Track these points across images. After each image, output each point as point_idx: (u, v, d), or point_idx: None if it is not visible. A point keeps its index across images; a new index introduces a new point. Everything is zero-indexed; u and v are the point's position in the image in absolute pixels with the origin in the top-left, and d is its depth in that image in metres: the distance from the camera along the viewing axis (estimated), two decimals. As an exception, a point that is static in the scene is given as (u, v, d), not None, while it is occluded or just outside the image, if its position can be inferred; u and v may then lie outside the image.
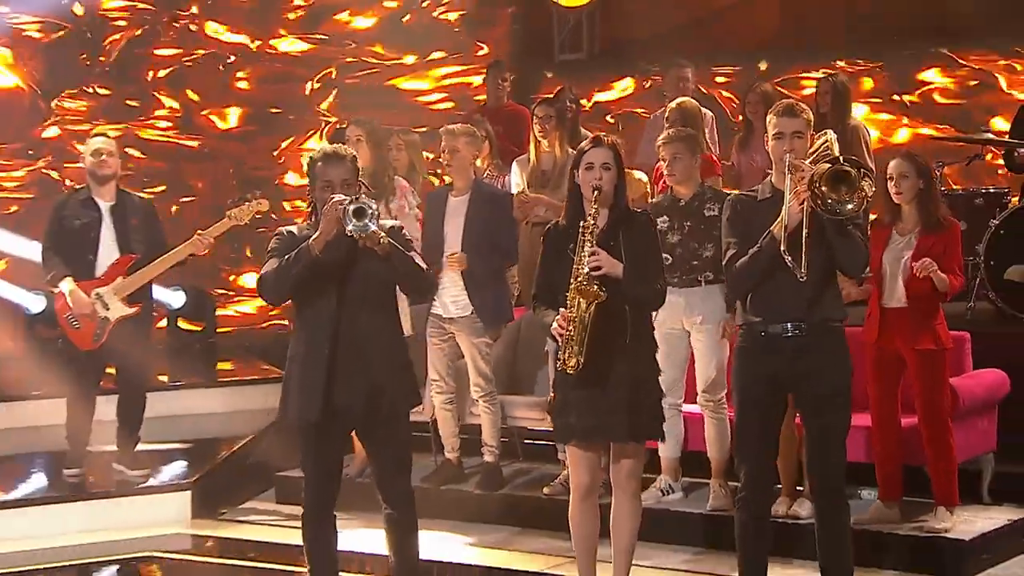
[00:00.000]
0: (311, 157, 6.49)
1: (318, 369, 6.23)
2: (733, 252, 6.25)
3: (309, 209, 6.49)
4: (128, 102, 14.29)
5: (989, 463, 8.25)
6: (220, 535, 8.95)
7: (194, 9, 14.36)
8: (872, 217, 8.30)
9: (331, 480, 6.53)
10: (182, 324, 13.54)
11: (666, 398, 7.83)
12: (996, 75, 12.46)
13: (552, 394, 6.62)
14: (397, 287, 6.50)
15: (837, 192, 5.94)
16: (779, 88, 12.12)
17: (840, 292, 6.48)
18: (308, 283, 6.22)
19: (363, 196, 6.10)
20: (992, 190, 10.30)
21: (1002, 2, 11.88)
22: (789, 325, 6.16)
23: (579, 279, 6.10)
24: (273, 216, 11.17)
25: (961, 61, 12.74)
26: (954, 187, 10.73)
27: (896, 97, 13.03)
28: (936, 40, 12.70)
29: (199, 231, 9.19)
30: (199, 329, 13.46)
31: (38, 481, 9.98)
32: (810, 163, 6.10)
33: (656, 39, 12.96)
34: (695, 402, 8.26)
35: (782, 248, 5.95)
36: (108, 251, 8.96)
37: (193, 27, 14.39)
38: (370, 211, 5.92)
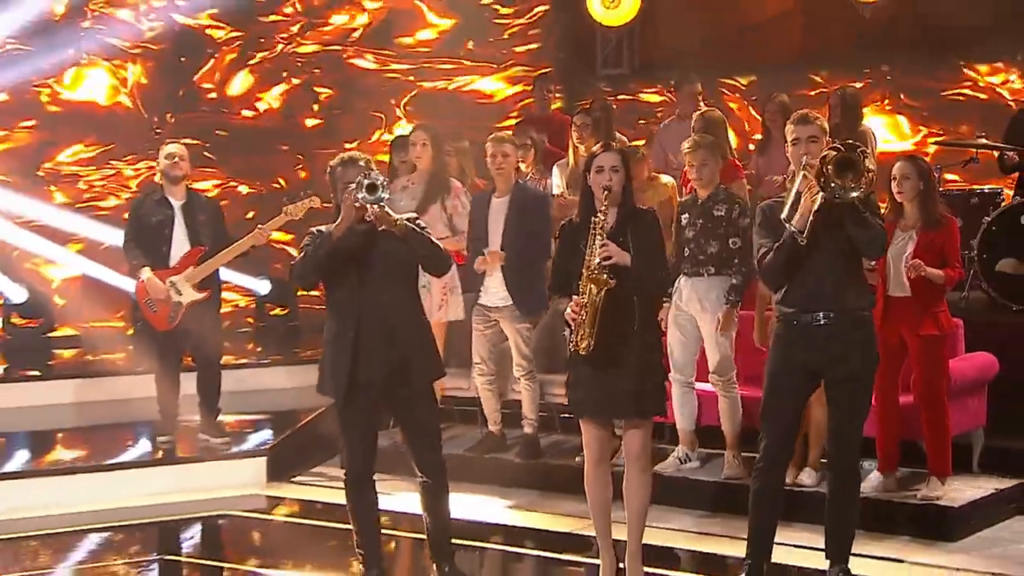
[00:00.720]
0: (330, 164, 6.53)
1: (344, 351, 6.29)
2: (764, 251, 6.23)
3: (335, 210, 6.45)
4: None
5: (979, 438, 8.18)
6: (291, 496, 8.99)
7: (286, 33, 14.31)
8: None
9: (366, 449, 6.54)
10: (269, 309, 13.65)
11: (679, 376, 8.12)
12: (995, 85, 12.25)
13: (568, 373, 6.61)
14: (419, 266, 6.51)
15: (843, 178, 5.88)
16: (797, 96, 12.04)
17: (867, 282, 6.46)
18: (332, 267, 6.28)
19: (376, 174, 6.08)
20: (987, 190, 10.20)
21: (998, 21, 11.62)
22: (820, 314, 6.12)
23: (591, 268, 6.12)
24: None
25: (966, 71, 12.59)
26: (952, 188, 10.52)
27: (904, 104, 12.86)
28: (940, 52, 12.52)
29: (260, 225, 9.39)
30: (283, 313, 13.41)
31: (133, 447, 9.94)
32: (828, 149, 6.05)
33: (687, 55, 12.85)
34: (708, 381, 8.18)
35: (801, 233, 5.95)
36: (180, 244, 9.06)
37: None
38: (380, 184, 5.95)
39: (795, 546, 6.97)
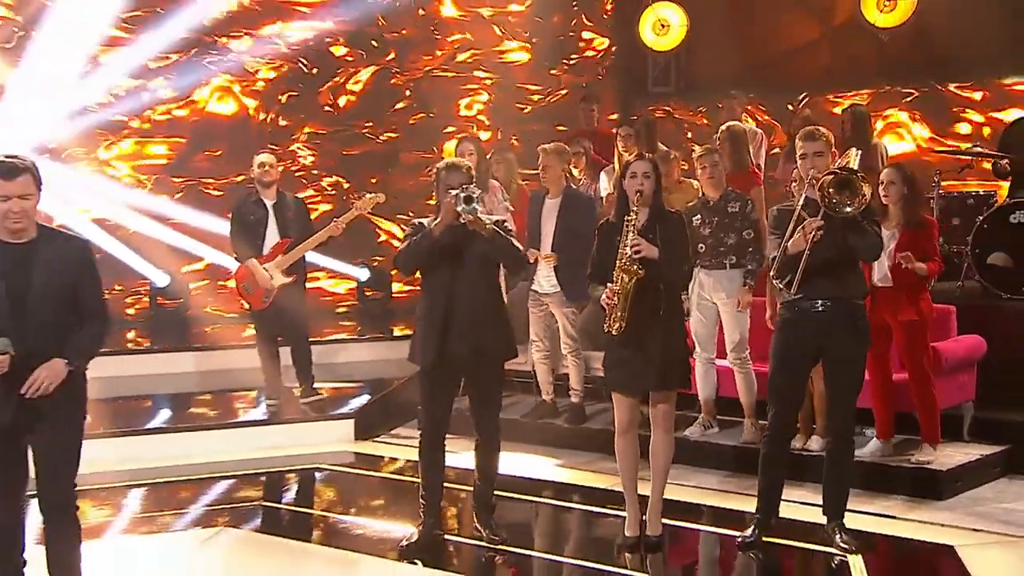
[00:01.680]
0: (437, 167, 6.59)
1: (435, 327, 6.33)
2: (773, 248, 6.31)
3: (435, 205, 6.57)
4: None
5: (969, 410, 8.07)
6: (373, 453, 8.98)
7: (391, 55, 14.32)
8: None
9: (443, 415, 6.59)
10: (367, 293, 13.62)
11: (702, 353, 8.13)
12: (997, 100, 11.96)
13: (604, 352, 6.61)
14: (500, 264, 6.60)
15: (841, 195, 5.94)
16: (820, 112, 11.87)
17: (862, 275, 6.42)
18: (430, 259, 6.32)
19: (471, 187, 6.15)
20: (981, 193, 10.03)
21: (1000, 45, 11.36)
22: (819, 302, 6.12)
23: (623, 260, 6.11)
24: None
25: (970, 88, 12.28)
26: (951, 191, 10.28)
27: (917, 118, 12.58)
28: (948, 72, 12.28)
29: (335, 219, 9.53)
30: (379, 297, 13.41)
31: (246, 409, 10.01)
32: (827, 173, 6.06)
33: (726, 76, 12.67)
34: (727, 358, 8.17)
35: (772, 275, 6.24)
36: (272, 236, 9.20)
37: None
38: (476, 197, 6.05)
39: (802, 503, 6.87)
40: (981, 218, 8.88)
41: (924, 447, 7.47)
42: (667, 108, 13.81)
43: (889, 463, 7.50)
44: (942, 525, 6.79)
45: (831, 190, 5.94)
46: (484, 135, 13.81)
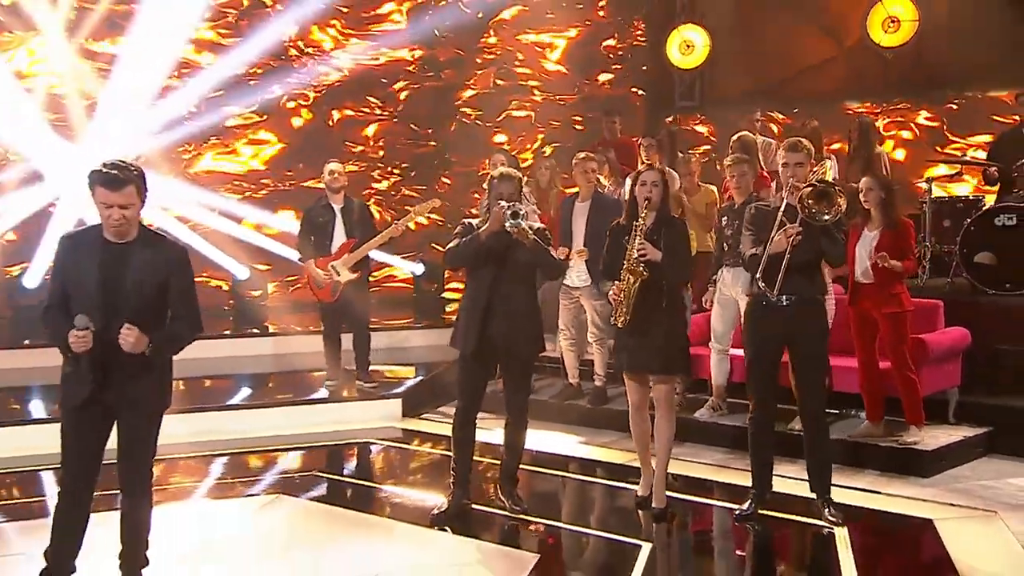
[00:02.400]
0: (491, 176, 6.59)
1: (475, 319, 6.34)
2: (748, 244, 6.25)
3: (485, 209, 6.60)
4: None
5: (954, 395, 7.94)
6: (419, 429, 8.92)
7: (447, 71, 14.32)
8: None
9: (476, 396, 6.57)
10: (422, 284, 13.50)
11: (718, 344, 8.11)
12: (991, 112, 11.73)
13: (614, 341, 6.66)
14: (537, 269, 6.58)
15: (819, 205, 5.90)
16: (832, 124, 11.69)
17: (824, 276, 6.35)
18: (476, 260, 6.33)
19: (518, 204, 6.16)
20: (970, 197, 9.85)
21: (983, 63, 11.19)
22: (784, 298, 6.05)
23: (630, 261, 6.11)
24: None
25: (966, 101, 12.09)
26: (942, 195, 10.12)
27: (917, 128, 12.40)
28: (945, 86, 12.07)
29: (395, 222, 9.56)
30: (433, 288, 13.38)
31: (310, 389, 9.97)
32: (806, 185, 6.00)
33: (746, 91, 12.60)
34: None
35: (758, 276, 6.07)
36: (339, 237, 9.19)
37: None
38: (522, 214, 6.08)
39: (795, 479, 6.75)
40: (968, 220, 8.70)
41: (910, 429, 7.35)
42: (692, 120, 13.65)
43: (878, 443, 7.39)
44: (924, 500, 6.69)
45: (810, 200, 5.90)
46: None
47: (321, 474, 7.88)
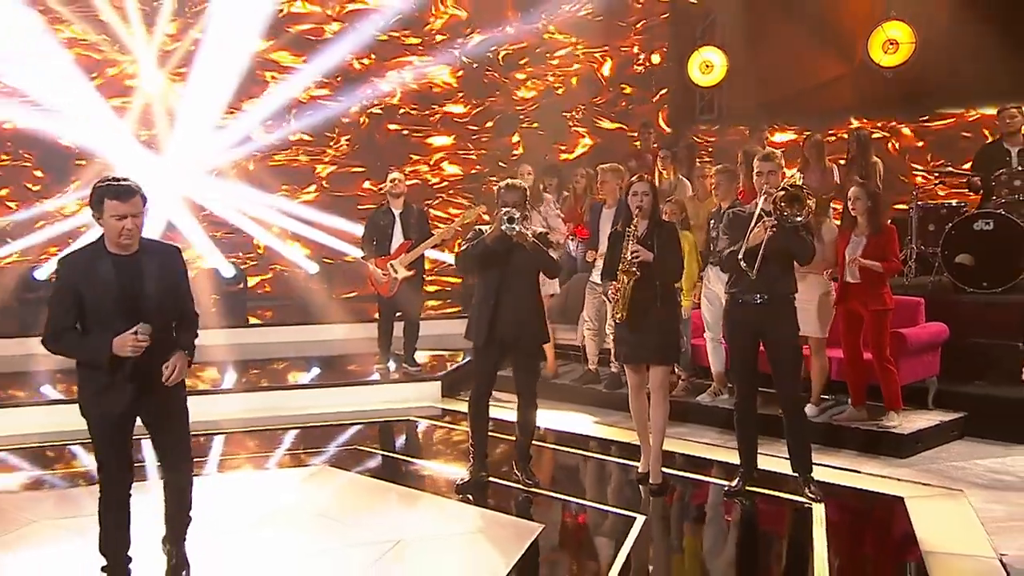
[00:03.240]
0: (497, 186, 6.52)
1: (485, 315, 6.36)
2: (724, 245, 6.18)
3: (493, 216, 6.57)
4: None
5: (933, 383, 7.77)
6: (456, 408, 8.80)
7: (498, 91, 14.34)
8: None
9: (488, 379, 6.59)
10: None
11: (710, 334, 8.05)
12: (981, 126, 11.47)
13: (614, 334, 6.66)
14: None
15: (791, 207, 5.84)
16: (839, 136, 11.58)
17: (794, 276, 6.22)
18: (482, 262, 6.31)
19: (513, 210, 6.11)
20: (953, 204, 9.60)
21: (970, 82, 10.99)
22: (757, 296, 6.01)
23: (624, 264, 6.10)
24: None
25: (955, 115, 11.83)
26: (928, 202, 9.90)
27: (910, 139, 12.15)
28: (938, 102, 11.85)
29: (447, 226, 9.89)
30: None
31: (362, 371, 9.97)
32: (779, 190, 5.94)
33: (760, 107, 12.42)
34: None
35: (740, 257, 5.93)
36: (397, 238, 9.20)
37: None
38: (516, 218, 6.04)
39: (784, 457, 6.56)
40: (950, 225, 8.52)
41: (889, 414, 7.22)
42: (711, 133, 13.48)
43: (860, 426, 7.27)
44: (898, 480, 6.56)
45: (783, 204, 5.84)
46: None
47: (364, 448, 7.90)
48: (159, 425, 4.84)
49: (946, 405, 7.63)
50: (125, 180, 4.58)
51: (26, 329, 9.73)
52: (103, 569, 4.86)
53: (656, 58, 14.08)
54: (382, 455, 7.84)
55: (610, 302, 6.31)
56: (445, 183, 14.32)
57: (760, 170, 6.10)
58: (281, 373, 10.27)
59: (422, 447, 8.16)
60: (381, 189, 9.97)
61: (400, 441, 8.30)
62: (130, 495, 4.81)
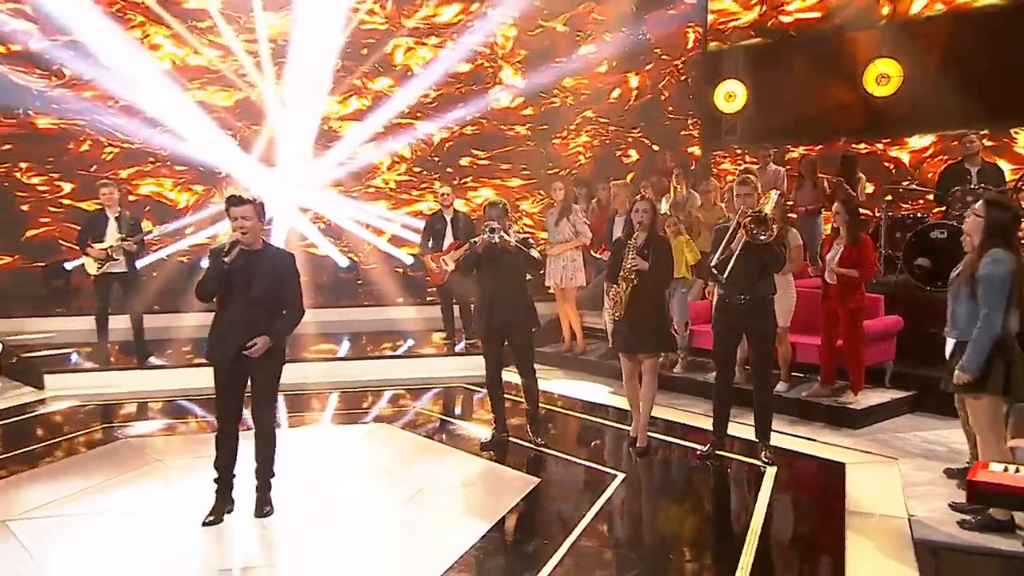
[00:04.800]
0: (484, 203, 6.55)
1: (484, 310, 6.47)
2: (712, 256, 6.07)
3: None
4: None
5: (890, 366, 7.56)
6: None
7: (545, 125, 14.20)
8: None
9: (497, 364, 6.62)
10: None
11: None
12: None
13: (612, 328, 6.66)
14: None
15: (759, 228, 5.76)
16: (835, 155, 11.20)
17: (773, 280, 6.06)
18: (477, 266, 6.38)
19: (493, 223, 6.17)
20: (918, 215, 9.27)
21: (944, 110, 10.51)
22: (741, 296, 5.92)
23: (624, 271, 6.10)
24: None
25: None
26: (896, 213, 9.61)
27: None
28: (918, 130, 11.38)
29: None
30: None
31: (416, 346, 10.04)
32: (753, 210, 5.86)
33: (777, 129, 12.16)
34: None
35: (712, 265, 5.94)
36: (448, 239, 9.22)
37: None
38: (496, 230, 6.14)
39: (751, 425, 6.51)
40: (911, 233, 8.23)
41: (848, 392, 7.10)
42: (732, 152, 13.16)
43: (822, 401, 7.12)
44: (846, 448, 6.43)
45: (752, 226, 5.75)
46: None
47: (420, 410, 7.98)
48: (254, 377, 5.19)
49: (900, 384, 7.40)
50: (243, 194, 5.08)
51: (186, 307, 9.89)
52: (215, 480, 5.27)
53: (687, 89, 13.81)
54: (428, 415, 7.84)
55: (611, 300, 6.27)
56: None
57: (738, 193, 6.00)
58: (362, 344, 10.34)
59: (463, 411, 8.12)
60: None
61: (447, 405, 8.30)
62: (237, 428, 5.22)
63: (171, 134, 12.89)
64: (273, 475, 5.35)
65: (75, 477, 6.09)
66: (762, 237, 5.73)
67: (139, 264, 9.10)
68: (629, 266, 6.06)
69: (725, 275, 5.82)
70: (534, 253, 6.36)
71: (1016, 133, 10.69)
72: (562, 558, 4.65)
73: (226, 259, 5.00)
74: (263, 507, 5.27)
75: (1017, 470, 2.76)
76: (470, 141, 13.98)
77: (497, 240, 6.12)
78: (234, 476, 5.29)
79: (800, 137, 12.23)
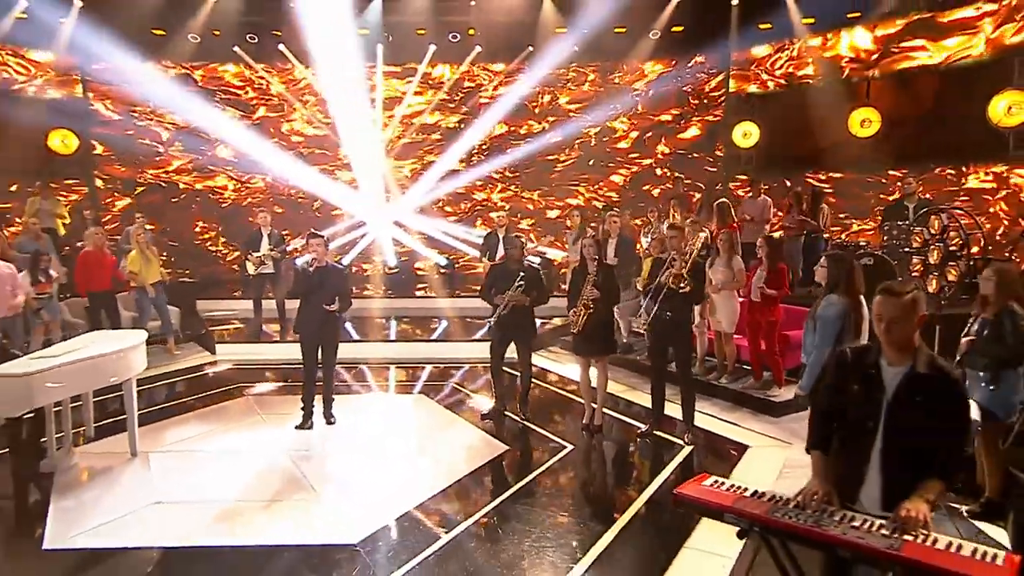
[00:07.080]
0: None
1: (500, 314, 6.63)
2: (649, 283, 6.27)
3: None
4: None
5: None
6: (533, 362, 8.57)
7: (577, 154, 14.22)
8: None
9: (500, 357, 6.88)
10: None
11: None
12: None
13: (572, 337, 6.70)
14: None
15: (676, 282, 6.02)
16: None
17: (692, 305, 6.26)
18: (497, 283, 6.70)
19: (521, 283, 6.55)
20: (860, 243, 9.19)
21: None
22: (668, 313, 6.08)
23: (583, 299, 6.25)
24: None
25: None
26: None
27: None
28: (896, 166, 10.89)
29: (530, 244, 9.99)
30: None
31: (458, 331, 10.15)
32: (671, 274, 6.03)
33: (786, 162, 12.12)
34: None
35: (641, 289, 6.24)
36: (500, 251, 9.23)
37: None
38: (522, 286, 6.55)
39: (704, 414, 6.79)
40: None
41: (774, 387, 7.28)
42: (746, 183, 12.96)
43: (751, 393, 7.27)
44: (758, 433, 6.50)
45: (672, 279, 6.02)
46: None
47: (456, 385, 8.09)
48: (323, 349, 6.70)
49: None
50: (317, 231, 6.60)
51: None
52: (302, 408, 6.72)
53: (707, 127, 13.73)
54: (459, 390, 7.89)
55: (571, 318, 6.38)
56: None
57: (669, 235, 6.18)
58: (422, 329, 10.32)
59: (486, 387, 7.94)
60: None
61: (474, 382, 8.25)
62: (314, 376, 6.68)
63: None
64: (333, 399, 6.86)
65: (203, 424, 6.82)
66: (681, 286, 6.00)
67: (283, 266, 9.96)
68: (587, 297, 6.21)
69: (654, 301, 6.06)
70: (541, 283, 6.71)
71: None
72: (499, 504, 5.05)
73: (310, 269, 6.26)
74: (329, 417, 6.81)
75: (720, 485, 3.13)
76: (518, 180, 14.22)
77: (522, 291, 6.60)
78: (313, 405, 6.57)
79: (807, 169, 12.07)
